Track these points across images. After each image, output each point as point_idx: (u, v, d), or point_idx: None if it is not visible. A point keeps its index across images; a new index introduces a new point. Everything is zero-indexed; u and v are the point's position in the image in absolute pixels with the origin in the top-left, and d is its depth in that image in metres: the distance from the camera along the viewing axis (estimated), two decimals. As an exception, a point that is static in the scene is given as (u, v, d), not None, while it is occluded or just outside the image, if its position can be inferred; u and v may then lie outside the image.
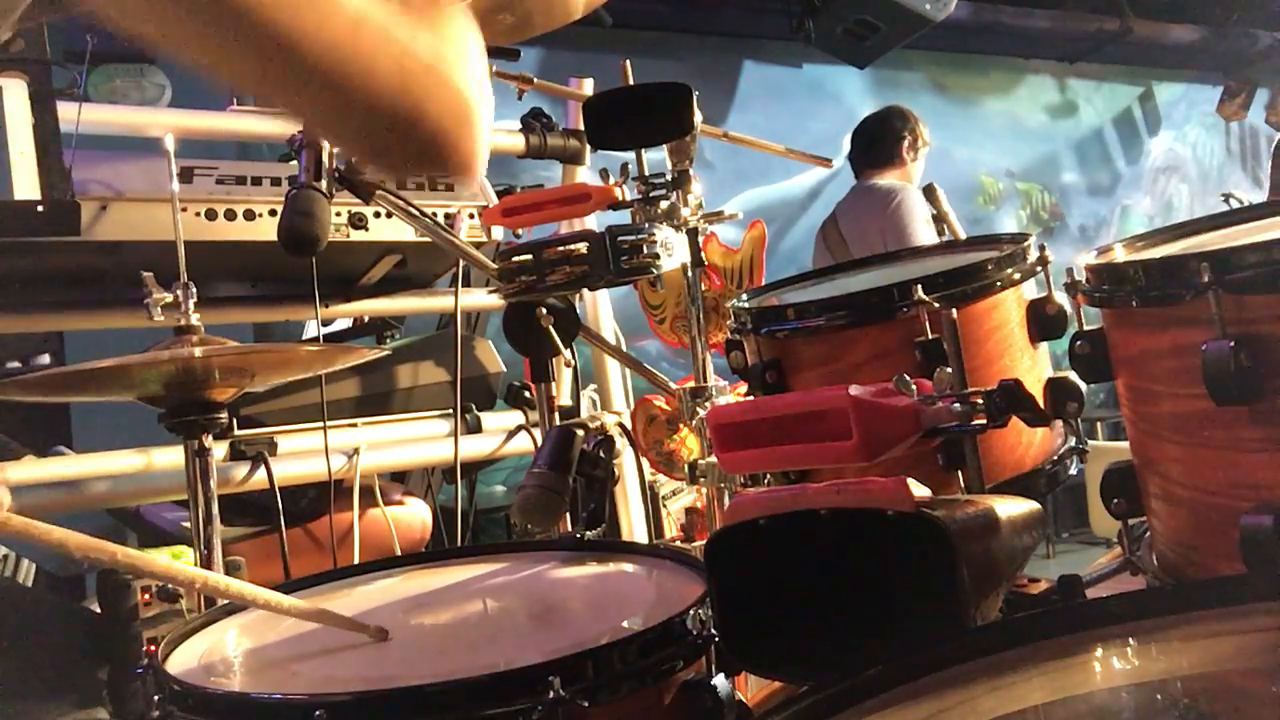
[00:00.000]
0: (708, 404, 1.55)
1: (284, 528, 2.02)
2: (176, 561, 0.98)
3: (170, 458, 1.95)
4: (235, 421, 2.08)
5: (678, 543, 2.35)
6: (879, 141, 3.81)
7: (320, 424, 2.09)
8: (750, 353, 1.31)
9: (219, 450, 1.98)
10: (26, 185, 1.72)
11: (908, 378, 0.95)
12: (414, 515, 2.39)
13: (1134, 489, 1.06)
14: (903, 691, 0.76)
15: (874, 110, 4.04)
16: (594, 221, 2.08)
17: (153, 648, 1.03)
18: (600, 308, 2.56)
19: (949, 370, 1.02)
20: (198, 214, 2.00)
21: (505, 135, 2.49)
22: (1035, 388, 1.18)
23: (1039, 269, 1.24)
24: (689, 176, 1.53)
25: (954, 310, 1.12)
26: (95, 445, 2.01)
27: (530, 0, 0.88)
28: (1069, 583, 0.99)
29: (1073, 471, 1.25)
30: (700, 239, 1.57)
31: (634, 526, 2.38)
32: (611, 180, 1.59)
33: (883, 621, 0.88)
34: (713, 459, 1.52)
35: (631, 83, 1.67)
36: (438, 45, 0.70)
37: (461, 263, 2.25)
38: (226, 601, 1.21)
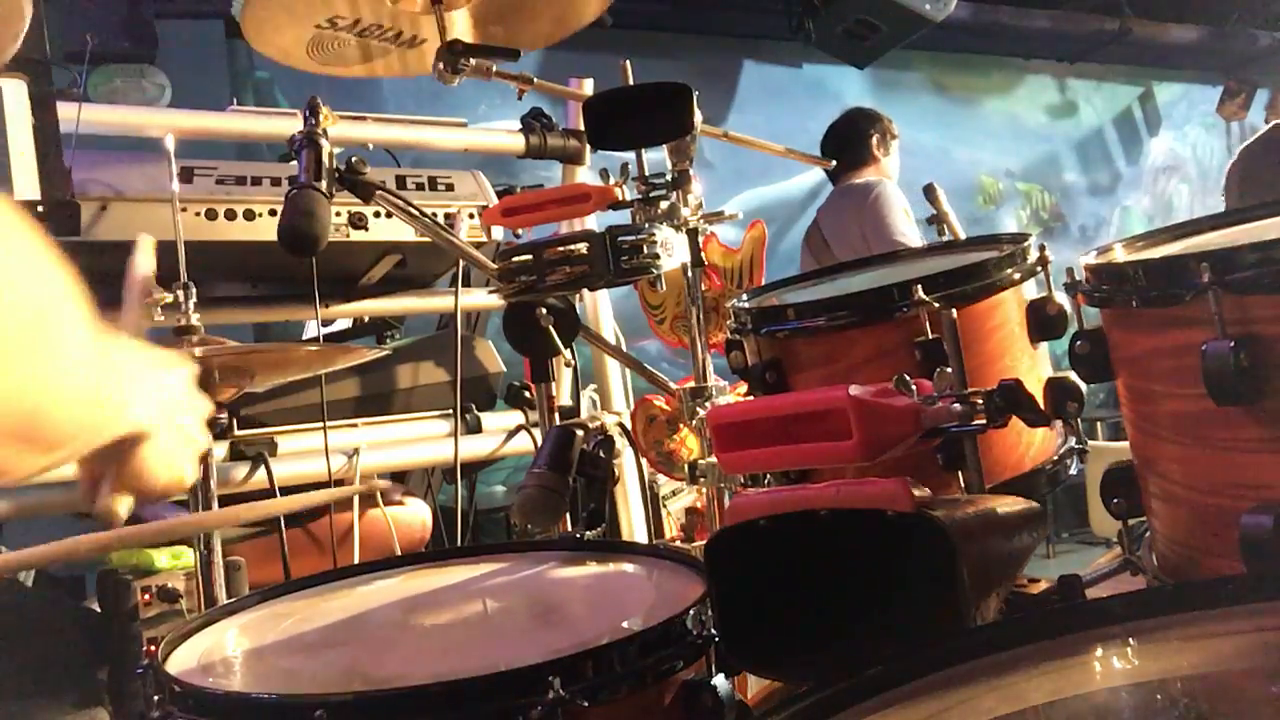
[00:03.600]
0: (708, 404, 1.55)
1: (284, 528, 2.02)
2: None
3: (170, 458, 1.95)
4: (235, 421, 2.08)
5: (678, 543, 2.35)
6: (849, 143, 3.80)
7: (320, 424, 2.09)
8: (750, 353, 1.31)
9: (219, 450, 1.98)
10: (26, 185, 1.72)
11: (908, 378, 0.95)
12: (414, 515, 2.38)
13: (1134, 489, 1.06)
14: (903, 691, 0.76)
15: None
16: (594, 221, 2.07)
17: (153, 648, 1.03)
18: (600, 308, 2.56)
19: (949, 370, 1.02)
20: (198, 214, 2.00)
21: (505, 135, 2.49)
22: (1035, 388, 1.18)
23: (1039, 269, 1.24)
24: (689, 176, 1.53)
25: (954, 310, 1.12)
26: (95, 445, 2.00)
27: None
28: (1069, 583, 0.99)
29: (1073, 471, 1.25)
30: (700, 239, 1.57)
31: (634, 526, 2.38)
32: (611, 180, 1.58)
33: (883, 621, 0.88)
34: (713, 459, 1.52)
35: (631, 83, 1.67)
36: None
37: (461, 263, 2.25)
38: (227, 601, 1.21)
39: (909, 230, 3.48)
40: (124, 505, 0.86)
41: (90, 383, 0.70)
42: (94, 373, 0.70)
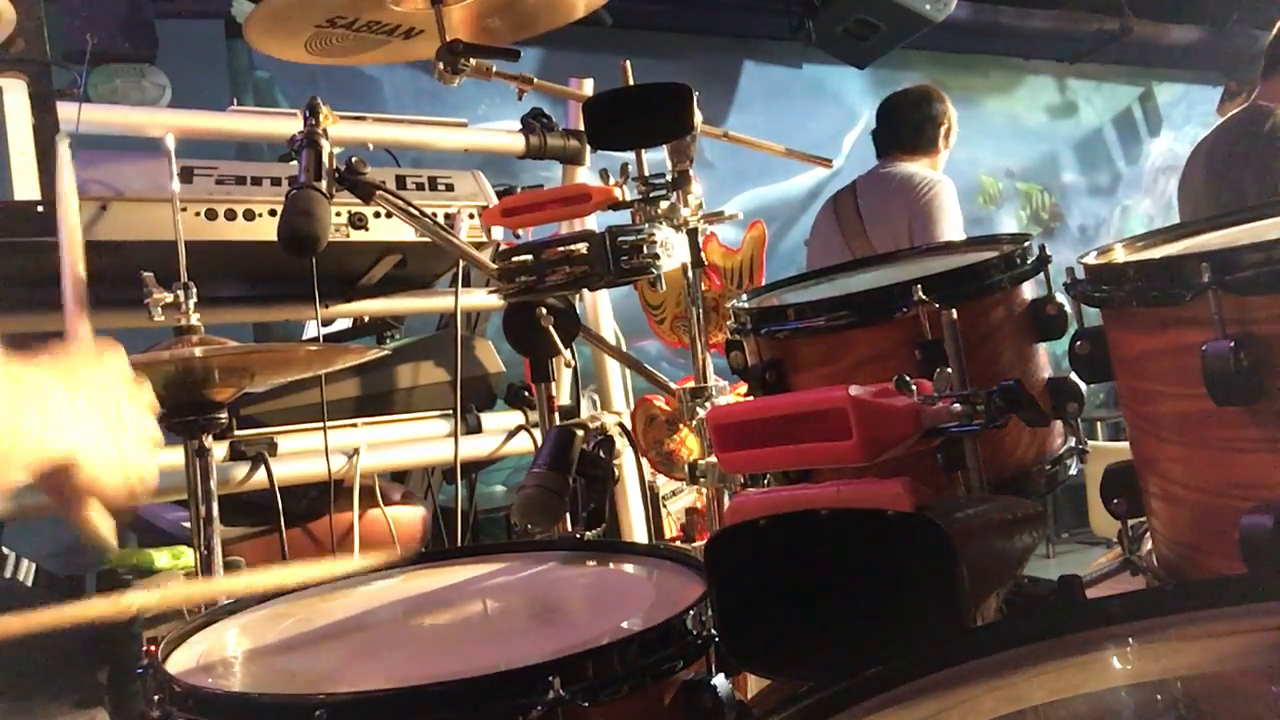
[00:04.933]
0: (708, 404, 1.55)
1: (284, 528, 2.02)
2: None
3: (170, 458, 1.95)
4: (235, 421, 2.08)
5: (678, 543, 2.35)
6: (919, 126, 3.56)
7: (320, 424, 2.09)
8: (750, 353, 1.31)
9: (219, 450, 1.98)
10: (26, 185, 1.72)
11: (908, 378, 0.95)
12: (413, 515, 2.38)
13: (1134, 489, 1.06)
14: (903, 691, 0.76)
15: (878, 106, 3.79)
16: (594, 221, 2.07)
17: (153, 648, 1.03)
18: (600, 308, 2.56)
19: (949, 370, 1.02)
20: (198, 214, 2.00)
21: (505, 135, 2.49)
22: (1035, 388, 1.18)
23: (1039, 269, 1.24)
24: (689, 177, 1.53)
25: (954, 310, 1.12)
26: (95, 445, 2.00)
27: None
28: (1069, 583, 0.99)
29: (1073, 471, 1.25)
30: (700, 239, 1.57)
31: (634, 526, 2.38)
32: (611, 180, 1.58)
33: (883, 621, 0.88)
34: (713, 459, 1.52)
35: (631, 83, 1.67)
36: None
37: (461, 263, 2.25)
38: (226, 601, 1.21)
39: (958, 235, 3.33)
40: (105, 524, 0.85)
41: None
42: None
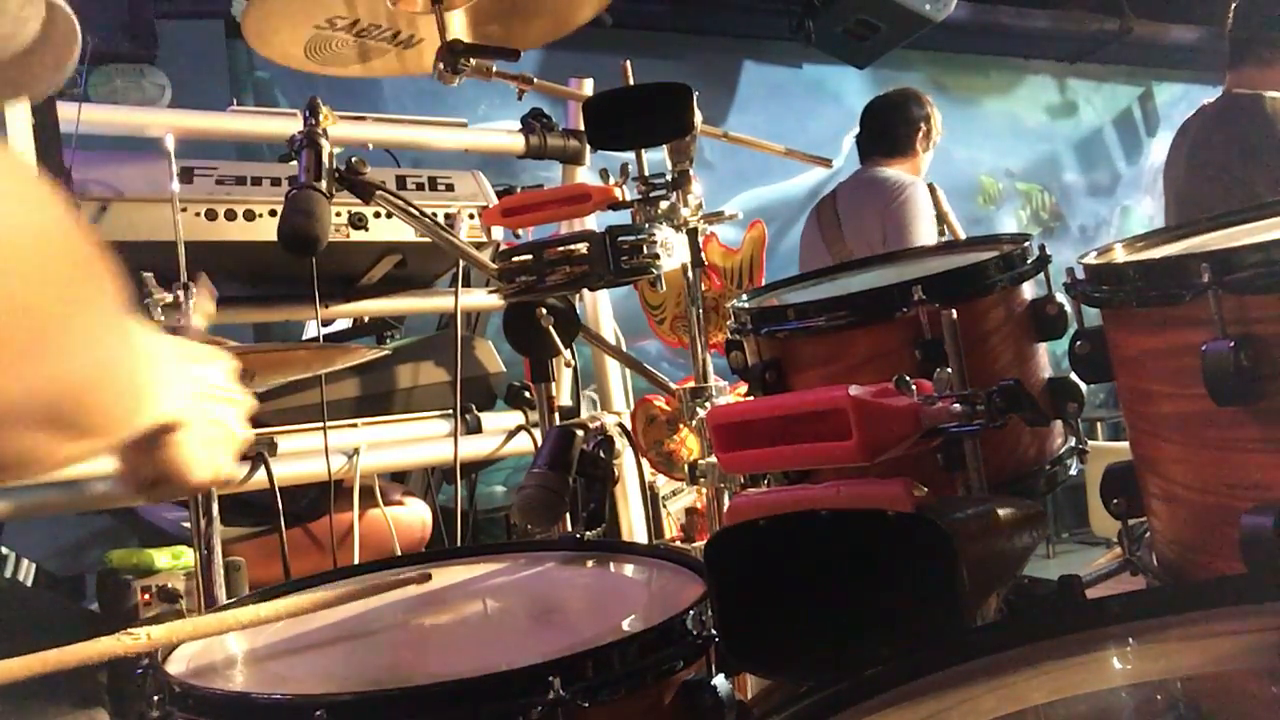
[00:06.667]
0: (708, 404, 1.55)
1: (284, 528, 2.02)
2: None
3: (170, 458, 1.95)
4: (235, 421, 2.08)
5: (678, 543, 2.35)
6: (894, 129, 3.63)
7: (320, 424, 2.09)
8: (750, 353, 1.31)
9: (219, 450, 1.97)
10: (26, 185, 1.72)
11: (908, 378, 0.95)
12: (414, 515, 2.38)
13: (1134, 489, 1.06)
14: (903, 691, 0.76)
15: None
16: (594, 221, 2.07)
17: (153, 648, 1.03)
18: (600, 308, 2.56)
19: (949, 370, 1.02)
20: (198, 214, 2.00)
21: (505, 135, 2.49)
22: (1035, 388, 1.18)
23: (1039, 269, 1.24)
24: (689, 177, 1.53)
25: (954, 310, 1.12)
26: (95, 445, 2.00)
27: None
28: (1069, 583, 0.99)
29: (1073, 471, 1.25)
30: (700, 239, 1.57)
31: (634, 526, 2.38)
32: (611, 180, 1.58)
33: (883, 621, 0.88)
34: (713, 459, 1.52)
35: (631, 83, 1.67)
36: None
37: (461, 263, 2.25)
38: (227, 602, 1.21)
39: (930, 239, 3.37)
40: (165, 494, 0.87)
41: (124, 370, 0.67)
42: (128, 359, 0.68)
